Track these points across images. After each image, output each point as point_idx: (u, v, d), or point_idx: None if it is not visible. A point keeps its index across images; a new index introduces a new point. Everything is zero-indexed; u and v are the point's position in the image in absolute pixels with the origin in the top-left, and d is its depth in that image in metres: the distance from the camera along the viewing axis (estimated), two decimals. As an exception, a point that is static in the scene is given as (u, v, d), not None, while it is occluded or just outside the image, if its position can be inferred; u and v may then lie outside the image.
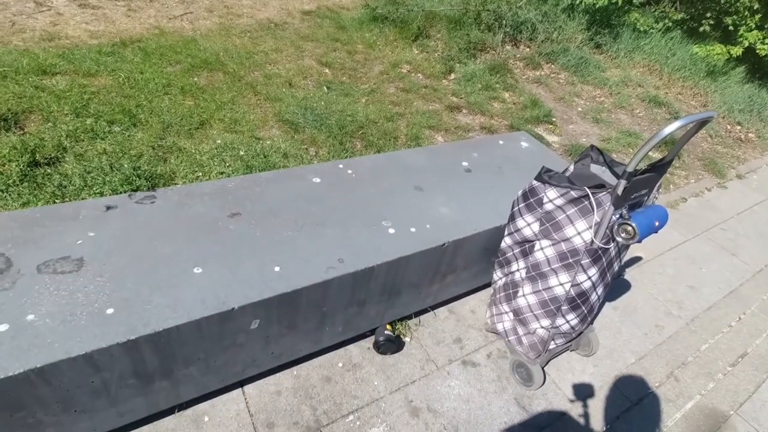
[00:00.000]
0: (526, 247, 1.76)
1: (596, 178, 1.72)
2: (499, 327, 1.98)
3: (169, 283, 1.36)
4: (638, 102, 5.24)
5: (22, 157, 2.34)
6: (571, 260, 1.61)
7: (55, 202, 2.20)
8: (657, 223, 1.51)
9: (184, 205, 1.65)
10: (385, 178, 2.04)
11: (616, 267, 1.74)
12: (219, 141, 2.96)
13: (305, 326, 1.62)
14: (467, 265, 2.01)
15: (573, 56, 5.62)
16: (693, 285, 2.81)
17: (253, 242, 1.57)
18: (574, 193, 1.53)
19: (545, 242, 1.67)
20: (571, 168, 1.82)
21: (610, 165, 1.73)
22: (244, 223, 1.64)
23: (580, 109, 4.89)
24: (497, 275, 1.97)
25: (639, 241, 1.45)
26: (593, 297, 1.70)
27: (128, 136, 2.80)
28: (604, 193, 1.49)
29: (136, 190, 2.35)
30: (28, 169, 2.32)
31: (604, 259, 1.60)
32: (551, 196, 1.59)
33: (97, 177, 2.38)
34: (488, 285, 2.33)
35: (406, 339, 2.04)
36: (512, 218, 1.78)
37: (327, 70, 4.47)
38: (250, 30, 4.87)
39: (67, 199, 2.23)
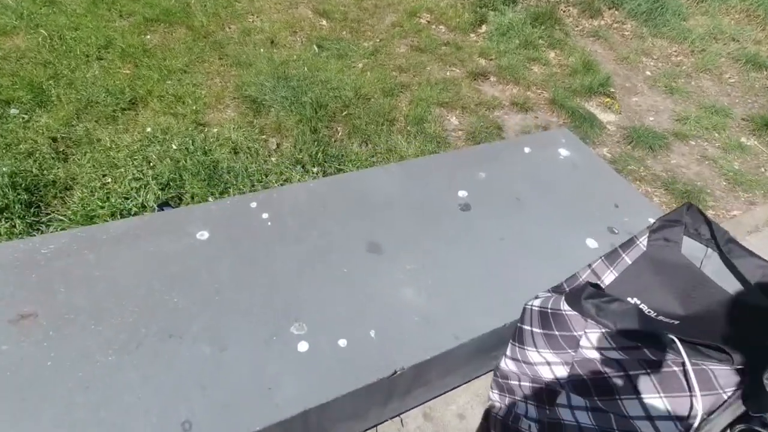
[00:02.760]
0: (543, 391, 0.97)
1: (698, 283, 0.87)
2: (492, 478, 1.24)
3: None
4: (729, 63, 3.99)
5: None
6: (627, 452, 0.82)
7: None
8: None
9: (-60, 298, 0.97)
10: (323, 225, 1.26)
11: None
12: (149, 129, 2.23)
13: None
14: (448, 372, 1.25)
15: (645, -1, 4.34)
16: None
17: (37, 382, 0.87)
18: (649, 353, 0.70)
19: (579, 401, 0.87)
20: (643, 243, 0.97)
21: (726, 253, 0.87)
22: (34, 336, 0.94)
23: (648, 73, 3.75)
24: (494, 398, 1.20)
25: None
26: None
27: (27, 121, 2.13)
28: (723, 367, 0.66)
29: (2, 211, 1.70)
30: None
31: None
32: (599, 342, 0.77)
33: (-43, 189, 1.73)
34: (490, 371, 1.57)
35: (350, 471, 1.34)
36: (520, 339, 0.98)
37: (324, 22, 3.55)
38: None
39: None
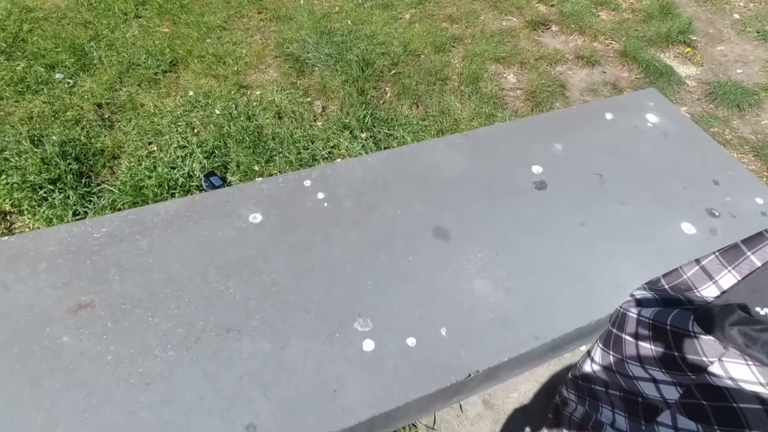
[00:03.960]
0: (639, 405, 0.85)
1: None
2: (563, 478, 1.16)
3: None
4: (838, 2, 3.41)
5: None
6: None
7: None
8: None
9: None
10: (383, 207, 1.15)
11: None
12: (191, 92, 2.15)
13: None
14: (517, 369, 1.15)
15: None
16: None
17: (99, 378, 0.84)
18: (816, 398, 0.56)
19: (689, 425, 0.75)
20: (754, 260, 0.80)
21: None
22: (93, 325, 0.90)
23: (737, 15, 3.27)
24: (570, 397, 1.09)
25: None
26: None
27: (72, 86, 2.08)
28: None
29: (55, 182, 1.69)
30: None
31: None
32: (739, 374, 0.63)
33: (10, 158, 1.73)
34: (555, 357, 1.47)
35: (408, 457, 1.31)
36: (617, 348, 0.85)
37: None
38: None
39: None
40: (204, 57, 2.33)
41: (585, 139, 1.39)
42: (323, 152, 1.96)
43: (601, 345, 0.92)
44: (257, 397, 0.84)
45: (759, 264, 0.81)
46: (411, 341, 0.93)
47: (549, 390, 1.48)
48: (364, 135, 2.07)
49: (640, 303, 0.85)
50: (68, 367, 0.85)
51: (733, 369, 0.63)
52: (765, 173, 2.22)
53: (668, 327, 0.72)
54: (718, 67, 2.84)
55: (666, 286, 0.89)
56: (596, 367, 0.94)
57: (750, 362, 0.61)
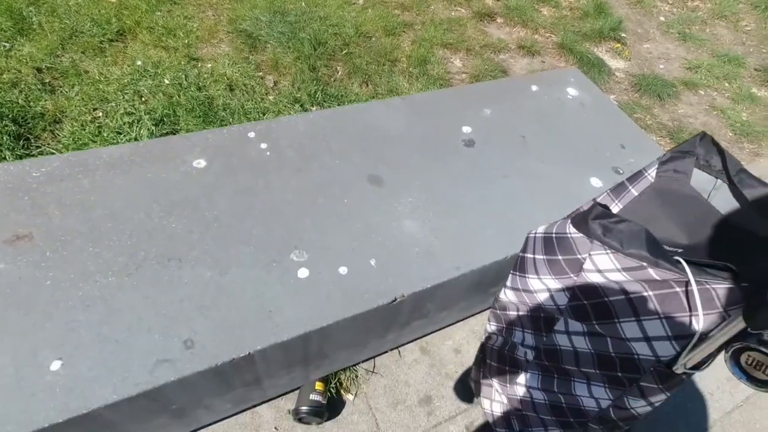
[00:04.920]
0: (541, 319, 0.98)
1: (704, 214, 0.86)
2: (485, 404, 1.29)
3: None
4: (748, 9, 3.81)
5: None
6: (620, 374, 0.84)
7: None
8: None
9: (-69, 217, 0.94)
10: (322, 158, 1.23)
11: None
12: (139, 62, 2.13)
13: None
14: (447, 305, 1.27)
15: (666, -62, 4.06)
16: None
17: (37, 300, 0.87)
18: (654, 273, 0.70)
19: (576, 326, 0.88)
20: (651, 174, 0.95)
21: (737, 184, 0.85)
22: (30, 254, 0.93)
23: (662, 18, 3.59)
24: (491, 329, 1.22)
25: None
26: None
27: (8, 50, 2.02)
28: (727, 285, 0.66)
29: (-9, 142, 1.65)
30: None
31: (676, 389, 0.81)
32: (603, 264, 0.76)
33: (-58, 118, 1.67)
34: (487, 309, 1.60)
35: (349, 397, 1.39)
36: (521, 268, 0.97)
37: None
38: None
39: None
40: (153, 29, 2.32)
41: (512, 106, 1.52)
42: (268, 120, 2.01)
43: (512, 270, 1.05)
44: (196, 317, 0.90)
45: (636, 194, 0.96)
46: (343, 270, 1.02)
47: (481, 338, 1.61)
48: (314, 109, 2.14)
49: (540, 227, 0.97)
50: (5, 290, 0.88)
51: (598, 260, 0.76)
52: (678, 154, 2.48)
53: (553, 234, 0.85)
54: (644, 62, 3.11)
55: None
56: (508, 292, 1.06)
57: (608, 251, 0.74)
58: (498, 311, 1.16)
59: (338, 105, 2.19)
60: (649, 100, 2.80)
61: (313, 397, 1.28)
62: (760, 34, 3.55)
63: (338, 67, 2.43)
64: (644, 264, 0.69)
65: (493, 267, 1.14)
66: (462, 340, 1.58)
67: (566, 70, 1.74)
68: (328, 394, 1.33)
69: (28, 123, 1.77)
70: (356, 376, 1.42)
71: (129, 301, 0.90)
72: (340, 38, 2.56)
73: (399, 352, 1.51)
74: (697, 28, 3.52)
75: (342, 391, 1.39)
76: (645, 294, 0.74)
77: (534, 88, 1.62)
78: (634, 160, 1.45)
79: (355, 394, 1.40)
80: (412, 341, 1.51)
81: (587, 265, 0.78)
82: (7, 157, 1.63)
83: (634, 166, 1.43)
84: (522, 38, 3.00)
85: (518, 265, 0.99)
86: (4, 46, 2.01)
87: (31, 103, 1.83)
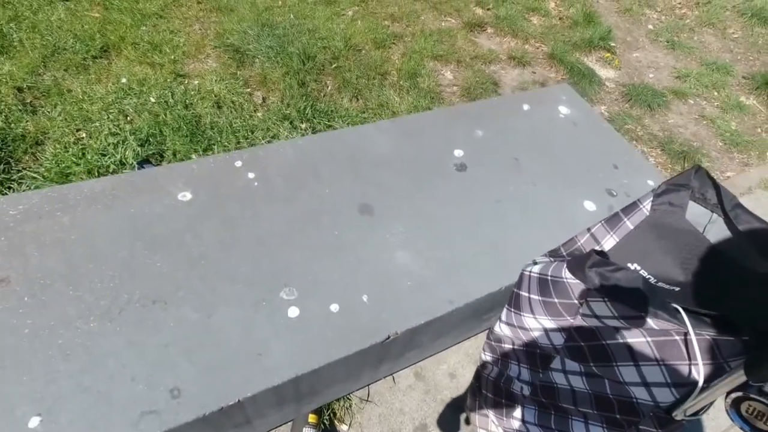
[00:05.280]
0: (537, 356, 0.96)
1: (700, 249, 0.85)
2: (482, 434, 1.27)
3: None
4: (734, 17, 3.85)
5: None
6: (618, 416, 0.82)
7: None
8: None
9: None
10: (312, 186, 1.20)
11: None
12: (124, 79, 2.09)
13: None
14: (441, 335, 1.25)
15: (653, -54, 4.09)
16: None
17: (14, 350, 0.83)
18: (652, 323, 0.68)
19: (573, 366, 0.87)
20: (646, 207, 0.93)
21: (732, 219, 0.84)
22: (7, 300, 0.89)
23: (650, 26, 3.61)
24: (486, 359, 1.20)
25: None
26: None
27: (-11, 70, 1.96)
28: (727, 338, 0.64)
29: (-30, 167, 1.60)
30: None
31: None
32: (600, 311, 0.74)
33: None
34: (482, 332, 1.58)
35: (343, 428, 1.36)
36: (516, 305, 0.95)
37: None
38: None
39: None
40: (138, 44, 2.27)
41: (504, 127, 1.51)
42: (263, 142, 1.98)
43: (507, 305, 1.03)
44: (182, 362, 0.87)
45: (632, 227, 0.95)
46: (334, 307, 0.99)
47: (476, 362, 1.59)
48: (304, 125, 2.11)
49: (535, 263, 0.96)
50: (-20, 341, 0.84)
51: (595, 307, 0.75)
52: (669, 165, 2.49)
53: (549, 277, 0.83)
54: (634, 71, 3.13)
55: (564, 253, 1.01)
56: (503, 326, 1.05)
57: (605, 299, 0.72)
58: (493, 343, 1.14)
59: (328, 121, 2.16)
60: (639, 110, 2.81)
61: (306, 430, 1.25)
62: (747, 42, 3.58)
63: (328, 82, 2.40)
64: (642, 314, 0.68)
65: (488, 298, 1.12)
66: (456, 364, 1.56)
67: (557, 87, 1.73)
68: (322, 426, 1.31)
69: (9, 146, 1.72)
70: (350, 406, 1.40)
71: (112, 348, 0.86)
72: (329, 51, 2.53)
73: (393, 378, 1.49)
74: (685, 36, 3.54)
75: (336, 422, 1.36)
76: (643, 340, 0.72)
77: (525, 107, 1.60)
78: (627, 181, 1.44)
79: (349, 425, 1.37)
80: (406, 367, 1.48)
81: (584, 310, 0.77)
82: (-14, 183, 1.58)
83: (627, 187, 1.42)
84: (512, 48, 3.00)
85: (513, 301, 0.97)
86: (-17, 66, 1.96)
87: (12, 125, 1.78)
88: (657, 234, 0.92)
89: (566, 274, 0.78)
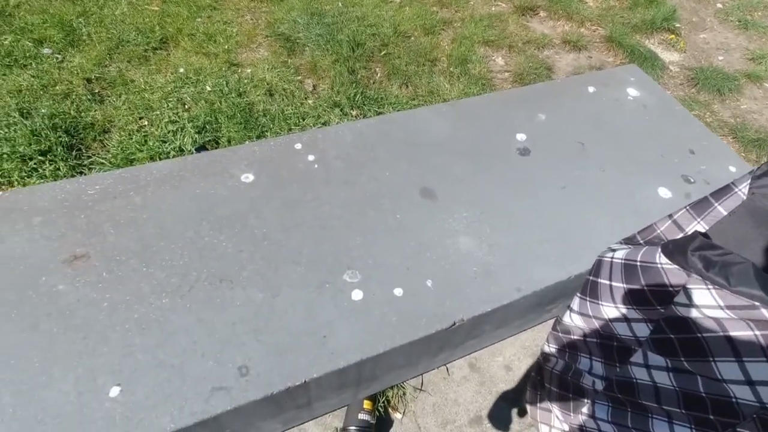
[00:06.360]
0: (613, 348, 0.90)
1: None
2: (543, 430, 1.21)
3: None
4: (816, -7, 3.50)
5: None
6: (712, 417, 0.75)
7: (-62, 170, 1.61)
8: None
9: (-5, 237, 0.96)
10: (372, 169, 1.18)
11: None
12: (182, 69, 2.15)
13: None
14: (502, 325, 1.20)
15: None
16: None
17: (95, 323, 0.87)
18: (766, 313, 0.61)
19: (658, 360, 0.80)
20: (743, 191, 0.85)
21: None
22: (88, 275, 0.93)
23: (719, 5, 3.34)
24: (550, 351, 1.14)
25: None
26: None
27: (60, 62, 2.07)
28: None
29: (45, 153, 1.69)
30: None
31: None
32: (702, 300, 0.68)
33: None
34: (539, 324, 1.52)
35: (397, 416, 1.35)
36: (593, 293, 0.89)
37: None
38: None
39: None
40: (194, 35, 2.33)
41: (568, 110, 1.43)
42: (314, 129, 1.98)
43: (579, 294, 0.97)
44: (249, 341, 0.88)
45: (725, 213, 0.87)
46: (398, 291, 0.97)
47: (533, 354, 1.53)
48: (354, 112, 2.10)
49: (614, 251, 0.89)
50: (65, 312, 0.88)
51: (696, 295, 0.68)
52: (743, 155, 2.30)
53: (638, 263, 0.77)
54: (701, 54, 2.91)
55: (641, 241, 0.94)
56: (575, 316, 0.99)
57: (710, 286, 0.66)
58: (560, 334, 1.08)
59: (378, 108, 2.14)
60: (707, 95, 2.61)
61: (361, 416, 1.24)
62: (832, 19, 3.25)
63: (377, 69, 2.38)
64: (756, 303, 0.61)
65: (556, 287, 1.06)
66: (513, 357, 1.51)
67: (625, 67, 1.62)
68: (376, 413, 1.30)
69: (80, 133, 1.81)
70: (404, 394, 1.38)
71: (183, 324, 0.88)
72: (378, 39, 2.50)
73: (447, 368, 1.46)
74: (759, 15, 3.25)
75: (390, 409, 1.35)
76: (750, 333, 0.65)
77: (591, 89, 1.51)
78: (705, 167, 1.33)
79: (403, 413, 1.36)
80: (460, 357, 1.45)
81: (680, 298, 0.70)
82: (60, 168, 1.67)
83: (705, 173, 1.31)
84: (567, 32, 2.86)
85: (588, 289, 0.92)
86: (57, 58, 2.07)
87: (82, 114, 1.88)
88: (756, 221, 0.83)
89: (661, 259, 0.72)
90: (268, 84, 2.16)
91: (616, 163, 1.31)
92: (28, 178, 1.62)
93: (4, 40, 2.07)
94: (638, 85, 1.55)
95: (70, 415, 0.76)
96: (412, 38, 2.57)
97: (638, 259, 0.77)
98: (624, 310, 0.82)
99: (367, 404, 1.27)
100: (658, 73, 2.68)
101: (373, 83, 2.30)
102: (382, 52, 2.43)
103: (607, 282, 0.85)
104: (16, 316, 0.86)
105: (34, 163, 1.66)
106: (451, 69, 2.41)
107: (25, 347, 0.83)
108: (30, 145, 1.69)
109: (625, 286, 0.80)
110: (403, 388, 1.40)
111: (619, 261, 0.82)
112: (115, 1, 2.44)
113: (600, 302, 0.88)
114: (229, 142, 1.91)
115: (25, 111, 1.81)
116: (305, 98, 2.16)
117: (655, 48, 2.86)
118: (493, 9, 2.94)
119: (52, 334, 0.85)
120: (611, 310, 0.85)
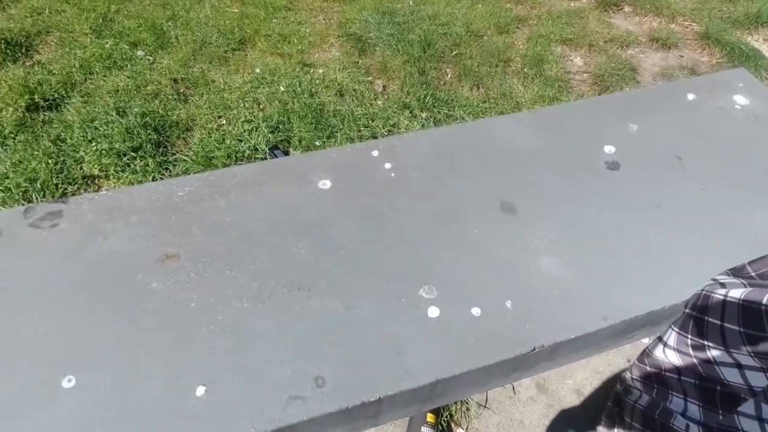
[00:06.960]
0: (717, 393, 0.81)
1: None
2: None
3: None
4: None
5: (21, 97, 1.92)
6: None
7: (47, 163, 1.78)
8: None
9: (96, 232, 1.04)
10: (450, 179, 1.15)
11: None
12: (258, 69, 2.23)
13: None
14: (577, 351, 1.13)
15: None
16: None
17: (183, 322, 0.92)
18: None
19: (776, 415, 0.71)
20: None
21: None
22: (178, 274, 0.98)
23: (841, -4, 2.92)
24: (634, 384, 1.06)
25: None
26: None
27: (152, 63, 2.22)
28: None
29: (137, 150, 1.82)
30: (28, 114, 1.91)
31: None
32: None
33: (99, 127, 1.88)
34: (615, 347, 1.42)
35: (459, 431, 1.32)
36: (699, 332, 0.81)
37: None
38: None
39: (61, 158, 1.80)
40: (270, 36, 2.41)
41: (664, 120, 1.31)
42: (383, 130, 1.98)
43: (676, 329, 0.89)
44: (326, 352, 0.88)
45: None
46: (476, 311, 0.94)
47: (606, 380, 1.44)
48: (424, 115, 2.07)
49: (724, 286, 0.80)
50: (157, 310, 0.93)
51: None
52: None
53: (763, 307, 0.68)
54: (816, 52, 2.57)
55: (753, 273, 0.84)
56: (670, 352, 0.91)
57: None
58: (648, 368, 1.00)
59: (448, 110, 2.09)
60: (823, 99, 2.30)
61: (424, 429, 1.23)
62: None
63: (448, 70, 2.33)
64: None
65: (645, 317, 0.98)
66: (584, 381, 1.43)
67: (732, 71, 1.46)
68: (440, 426, 1.28)
69: (166, 131, 1.93)
70: (467, 410, 1.35)
71: (263, 330, 0.91)
72: (449, 38, 2.45)
73: (513, 386, 1.40)
74: None
75: (453, 424, 1.32)
76: None
77: (691, 96, 1.38)
78: (830, 189, 1.17)
79: (466, 429, 1.33)
80: (529, 377, 1.39)
81: (817, 354, 0.61)
82: (149, 164, 1.79)
83: (831, 196, 1.15)
84: (655, 29, 2.64)
85: (690, 326, 0.83)
86: (149, 60, 2.22)
87: (169, 113, 2.00)
88: None
89: (796, 309, 0.63)
90: (339, 84, 2.18)
91: (718, 181, 1.18)
92: (122, 172, 1.76)
93: (105, 43, 2.25)
94: (748, 92, 1.39)
95: (161, 409, 0.81)
96: (485, 37, 2.49)
97: (763, 302, 0.68)
98: (738, 356, 0.73)
99: (430, 417, 1.26)
100: (762, 75, 2.41)
101: (444, 84, 2.25)
102: (454, 52, 2.38)
103: (718, 322, 0.76)
104: (117, 309, 0.93)
105: (127, 159, 1.80)
106: (526, 70, 2.31)
107: (121, 340, 0.89)
108: (124, 141, 1.83)
109: (743, 330, 0.71)
110: (467, 403, 1.36)
111: (736, 301, 0.73)
112: (200, 4, 2.58)
113: (706, 342, 0.79)
114: (300, 142, 1.96)
115: (121, 110, 1.96)
116: (375, 99, 2.16)
117: (759, 45, 2.56)
118: (572, 5, 2.78)
119: (147, 330, 0.90)
120: (720, 353, 0.77)
